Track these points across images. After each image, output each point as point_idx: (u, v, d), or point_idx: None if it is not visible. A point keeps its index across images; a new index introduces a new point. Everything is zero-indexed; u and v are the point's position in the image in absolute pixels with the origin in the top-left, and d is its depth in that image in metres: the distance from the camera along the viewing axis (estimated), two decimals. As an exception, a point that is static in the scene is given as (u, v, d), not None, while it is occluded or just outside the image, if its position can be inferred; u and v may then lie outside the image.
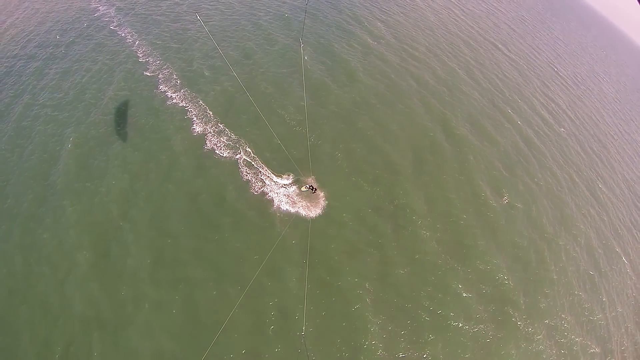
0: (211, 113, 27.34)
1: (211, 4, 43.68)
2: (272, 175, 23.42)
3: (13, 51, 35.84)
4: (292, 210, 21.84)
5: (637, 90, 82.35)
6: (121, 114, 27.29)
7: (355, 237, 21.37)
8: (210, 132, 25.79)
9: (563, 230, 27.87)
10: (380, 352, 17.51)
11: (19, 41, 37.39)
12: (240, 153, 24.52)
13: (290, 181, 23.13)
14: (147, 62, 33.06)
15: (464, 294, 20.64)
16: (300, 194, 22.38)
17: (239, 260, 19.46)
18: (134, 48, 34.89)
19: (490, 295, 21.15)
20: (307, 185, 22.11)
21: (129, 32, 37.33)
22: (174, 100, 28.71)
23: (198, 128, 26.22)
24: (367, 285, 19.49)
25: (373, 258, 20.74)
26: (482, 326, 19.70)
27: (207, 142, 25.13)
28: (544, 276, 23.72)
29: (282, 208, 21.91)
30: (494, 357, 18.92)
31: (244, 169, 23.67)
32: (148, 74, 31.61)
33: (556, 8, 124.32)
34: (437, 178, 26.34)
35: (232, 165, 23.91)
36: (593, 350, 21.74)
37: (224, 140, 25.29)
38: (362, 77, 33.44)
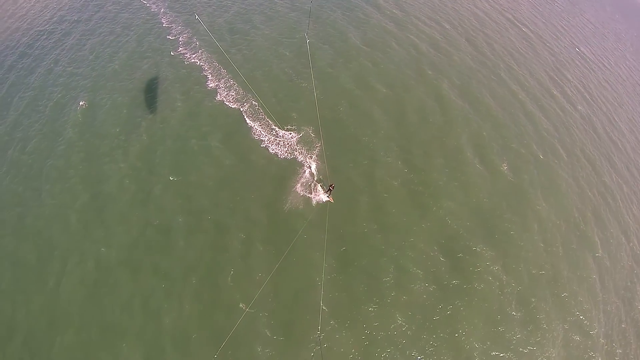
0: (225, 71, 29.89)
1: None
2: (275, 126, 25.68)
3: (41, 26, 39.55)
4: (289, 157, 24.09)
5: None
6: (140, 73, 30.40)
7: (339, 189, 22.64)
8: (221, 87, 28.40)
9: (559, 208, 27.21)
10: (334, 294, 18.83)
11: (46, 14, 41.23)
12: (245, 105, 27.02)
13: (292, 134, 25.29)
14: (170, 27, 35.93)
15: (441, 258, 21.25)
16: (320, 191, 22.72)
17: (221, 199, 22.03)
18: (159, 15, 37.80)
19: (467, 261, 21.49)
20: (328, 189, 21.96)
21: (154, 2, 40.20)
22: (192, 60, 31.47)
23: (212, 84, 28.88)
24: (336, 234, 20.75)
25: (347, 208, 22.15)
26: (451, 293, 20.10)
27: (218, 95, 27.75)
28: (532, 257, 23.26)
29: (280, 156, 24.19)
30: (460, 324, 19.26)
31: (248, 119, 26.11)
32: (170, 37, 34.50)
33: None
34: (423, 140, 27.07)
35: (237, 115, 26.45)
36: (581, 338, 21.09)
37: (233, 94, 27.85)
38: (361, 44, 34.68)
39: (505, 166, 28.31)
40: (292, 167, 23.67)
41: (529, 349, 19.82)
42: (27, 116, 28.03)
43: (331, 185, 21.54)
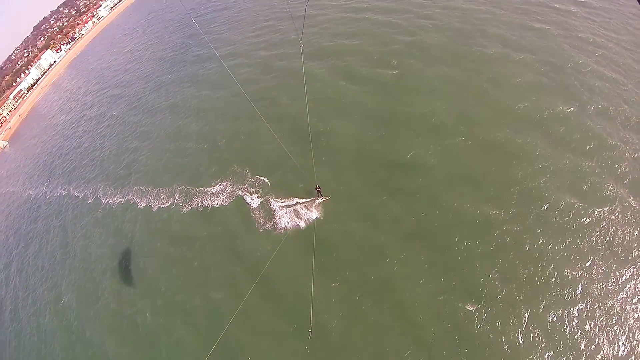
0: (143, 188, 32.06)
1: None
2: (206, 189, 28.04)
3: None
4: (232, 199, 26.21)
5: None
6: (82, 250, 31.42)
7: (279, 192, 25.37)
8: (151, 200, 30.50)
9: (459, 61, 30.14)
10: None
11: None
12: (176, 195, 29.40)
13: (223, 183, 27.70)
14: (85, 194, 38.04)
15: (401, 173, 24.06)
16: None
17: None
18: (71, 194, 39.92)
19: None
20: (317, 192, 22.24)
21: (61, 189, 42.47)
22: (118, 201, 33.38)
23: (142, 204, 30.83)
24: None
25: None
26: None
27: (153, 208, 29.70)
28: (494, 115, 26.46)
29: (226, 204, 26.22)
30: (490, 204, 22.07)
31: (185, 205, 28.24)
32: (90, 201, 36.48)
33: None
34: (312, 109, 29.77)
35: (175, 211, 28.39)
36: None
37: (163, 196, 30.06)
38: (226, 95, 37.85)
39: (394, 64, 31.56)
40: (240, 208, 25.49)
41: (568, 158, 21.09)
42: (20, 349, 28.34)
43: (317, 187, 21.65)
